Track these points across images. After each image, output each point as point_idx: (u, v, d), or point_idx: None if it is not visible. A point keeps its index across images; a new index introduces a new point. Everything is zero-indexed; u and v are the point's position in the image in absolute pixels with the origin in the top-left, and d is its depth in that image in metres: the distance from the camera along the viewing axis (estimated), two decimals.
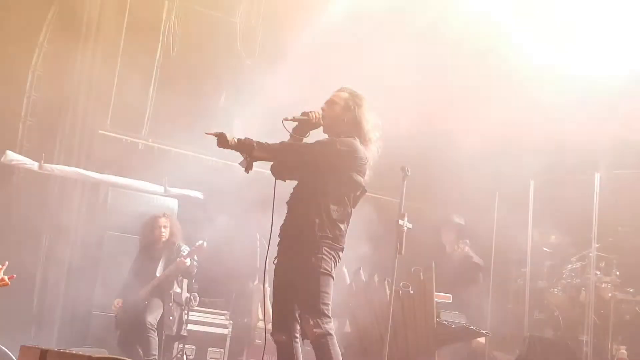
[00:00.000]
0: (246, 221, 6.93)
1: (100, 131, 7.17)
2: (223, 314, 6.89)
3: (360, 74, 7.67)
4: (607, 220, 6.97)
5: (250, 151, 3.79)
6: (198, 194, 7.36)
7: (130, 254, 6.43)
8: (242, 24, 7.80)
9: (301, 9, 7.54)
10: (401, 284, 5.45)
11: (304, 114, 4.05)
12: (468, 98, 7.50)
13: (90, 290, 6.54)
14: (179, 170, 7.24)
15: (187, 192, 7.30)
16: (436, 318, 5.53)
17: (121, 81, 7.23)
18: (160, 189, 7.15)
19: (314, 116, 4.03)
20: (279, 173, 4.09)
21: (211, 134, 3.84)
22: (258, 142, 3.82)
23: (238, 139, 3.80)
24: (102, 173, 6.98)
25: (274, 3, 7.85)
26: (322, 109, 4.10)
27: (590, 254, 6.70)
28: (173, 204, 7.04)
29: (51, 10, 7.04)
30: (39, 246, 6.80)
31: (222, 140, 3.80)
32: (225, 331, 6.72)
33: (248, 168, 3.85)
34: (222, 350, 6.73)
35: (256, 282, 7.27)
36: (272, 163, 4.10)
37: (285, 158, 3.98)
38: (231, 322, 6.87)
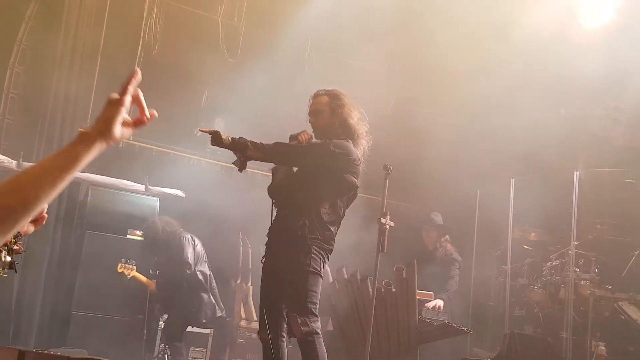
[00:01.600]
0: (228, 220, 6.91)
1: (80, 129, 7.07)
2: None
3: (342, 72, 7.72)
4: (586, 218, 7.06)
5: (244, 150, 3.77)
6: (179, 193, 7.32)
7: (111, 254, 6.38)
8: (225, 23, 7.77)
9: (283, 8, 7.53)
10: (383, 282, 5.47)
11: (292, 137, 4.06)
12: (449, 95, 7.55)
13: (70, 290, 6.47)
14: (160, 168, 7.20)
15: (169, 190, 7.26)
16: (418, 316, 5.56)
17: (101, 79, 7.17)
18: (141, 187, 7.10)
19: (304, 139, 4.05)
20: (276, 195, 4.08)
21: (205, 132, 3.81)
22: (252, 142, 3.81)
23: (232, 138, 3.78)
24: (82, 172, 6.92)
25: (256, 2, 7.83)
26: (310, 122, 4.12)
27: (570, 252, 6.78)
28: (154, 202, 6.99)
29: (30, 7, 6.96)
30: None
31: (216, 139, 3.76)
32: (207, 330, 6.70)
33: (241, 167, 3.83)
34: (204, 349, 6.71)
35: (239, 281, 7.25)
36: (269, 184, 4.10)
37: (279, 159, 3.98)
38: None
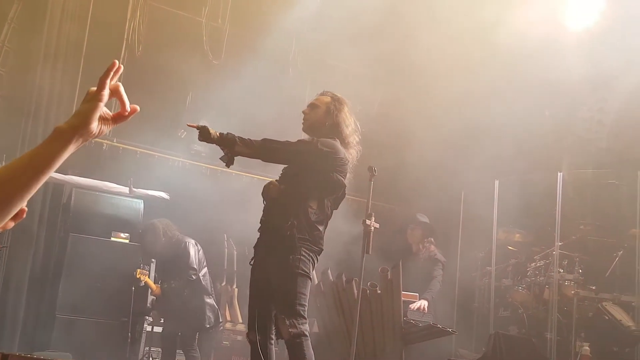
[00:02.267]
0: (213, 222, 6.88)
1: (56, 126, 7.03)
2: None
3: (327, 74, 7.72)
4: (570, 218, 7.12)
5: (232, 146, 3.77)
6: (164, 195, 7.29)
7: (95, 256, 6.34)
8: (209, 24, 7.75)
9: (268, 9, 7.53)
10: (369, 283, 5.48)
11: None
12: (434, 97, 7.57)
13: (53, 292, 6.42)
14: (144, 170, 7.17)
15: (153, 192, 7.22)
16: (403, 317, 5.57)
17: (85, 80, 7.12)
18: (125, 189, 7.06)
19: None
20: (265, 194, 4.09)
21: (193, 126, 3.80)
22: (240, 138, 3.81)
23: (220, 133, 3.77)
24: (66, 174, 6.86)
25: (240, 4, 7.82)
26: (304, 112, 4.14)
27: (554, 252, 6.82)
28: (138, 205, 6.95)
29: (13, 9, 6.90)
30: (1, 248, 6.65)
31: (203, 134, 3.75)
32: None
33: (229, 163, 3.83)
34: None
35: (224, 283, 7.23)
36: (264, 185, 4.10)
37: (267, 155, 3.97)
38: None
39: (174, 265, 6.20)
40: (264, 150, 3.90)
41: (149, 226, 6.31)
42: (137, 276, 6.24)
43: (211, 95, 7.23)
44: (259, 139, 3.91)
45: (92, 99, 1.35)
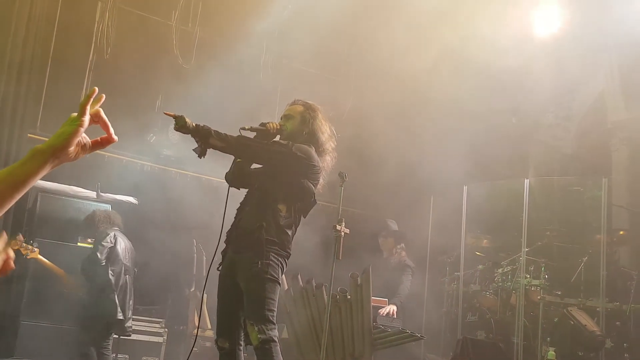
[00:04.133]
0: (182, 227, 6.82)
1: (29, 135, 6.93)
2: (158, 322, 6.77)
3: (298, 78, 7.73)
4: (537, 225, 7.22)
5: (206, 137, 3.74)
6: (132, 200, 7.20)
7: (61, 262, 6.22)
8: (179, 28, 7.70)
9: (238, 14, 7.51)
10: (338, 289, 5.49)
11: (262, 124, 4.06)
12: (403, 103, 7.63)
13: (18, 299, 6.29)
14: (112, 175, 7.08)
15: (121, 197, 7.13)
16: (372, 322, 5.58)
17: (52, 83, 7.01)
18: (92, 194, 6.96)
19: (272, 127, 4.05)
20: (234, 181, 4.09)
21: (170, 115, 3.76)
22: (216, 131, 3.78)
23: (196, 124, 3.75)
24: None
25: (210, 8, 7.78)
26: (280, 124, 4.13)
27: (520, 258, 6.91)
28: (106, 209, 6.86)
29: None
30: None
31: (180, 123, 3.72)
32: (160, 339, 6.59)
33: (202, 154, 3.79)
34: (157, 358, 6.60)
35: (193, 289, 7.16)
36: (227, 171, 4.09)
37: (241, 152, 3.95)
38: (166, 330, 6.75)
39: (88, 254, 5.90)
40: (238, 146, 3.88)
41: (91, 212, 6.13)
42: (15, 248, 5.67)
43: (181, 99, 7.17)
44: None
45: (73, 123, 1.38)
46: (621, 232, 7.19)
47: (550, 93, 7.85)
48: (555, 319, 6.56)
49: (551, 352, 5.77)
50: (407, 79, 7.29)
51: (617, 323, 6.41)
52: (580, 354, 6.24)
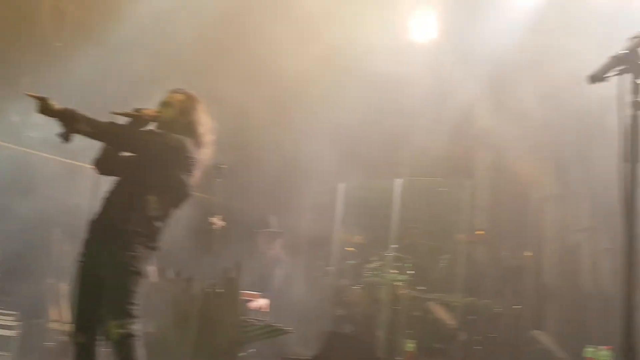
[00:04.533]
0: (42, 215, 6.45)
1: None
2: (9, 315, 6.35)
3: (176, 66, 7.53)
4: (405, 223, 7.51)
5: (73, 122, 3.53)
6: None
7: None
8: (49, 3, 7.26)
9: None
10: (209, 282, 5.43)
11: (135, 110, 3.90)
12: (285, 100, 7.66)
13: None
14: None
15: None
16: (242, 316, 5.58)
17: None
18: None
19: (147, 114, 3.90)
20: (102, 168, 3.92)
21: (33, 96, 3.52)
22: (83, 115, 3.58)
23: (62, 108, 3.53)
24: None
25: None
26: (157, 111, 3.98)
27: (388, 254, 7.17)
28: None
29: None
30: None
31: (44, 106, 3.50)
32: (11, 333, 6.19)
33: (67, 139, 3.58)
34: (8, 353, 6.20)
35: (51, 280, 6.79)
36: (96, 157, 3.91)
37: (110, 139, 3.78)
38: (20, 323, 6.35)
39: None
40: (109, 133, 3.72)
41: None
42: None
43: (51, 79, 6.76)
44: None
45: None
46: (480, 232, 7.65)
47: (425, 97, 8.16)
48: (417, 313, 6.88)
49: (410, 345, 6.03)
50: (290, 76, 7.31)
51: (472, 317, 6.82)
52: (437, 346, 6.60)
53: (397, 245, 7.24)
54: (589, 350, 5.05)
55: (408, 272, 7.06)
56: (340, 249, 7.76)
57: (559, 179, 7.94)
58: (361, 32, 7.06)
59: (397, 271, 7.06)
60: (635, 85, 2.59)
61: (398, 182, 7.38)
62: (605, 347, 4.94)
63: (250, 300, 5.91)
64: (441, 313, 6.61)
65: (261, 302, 5.98)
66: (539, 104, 7.67)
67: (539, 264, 7.90)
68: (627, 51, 2.57)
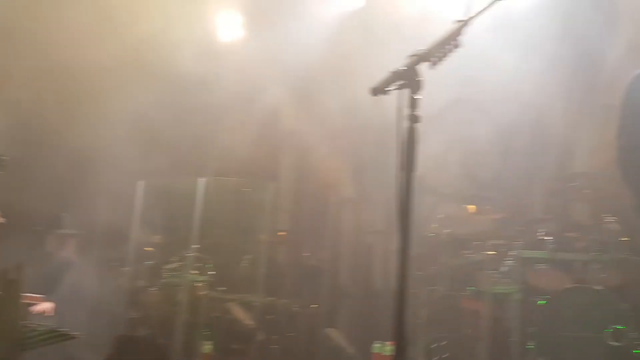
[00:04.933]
0: None
1: None
2: None
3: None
4: (208, 223, 7.45)
5: None
6: None
7: None
8: None
9: None
10: None
11: None
12: (81, 96, 7.24)
13: None
14: None
15: None
16: (23, 321, 5.15)
17: None
18: None
19: None
20: None
21: None
22: None
23: None
24: None
25: None
26: None
27: (189, 255, 7.06)
28: None
29: None
30: None
31: None
32: None
33: None
34: None
35: None
36: None
37: None
38: None
39: None
40: None
41: None
42: None
43: None
44: None
45: None
46: (282, 233, 7.83)
47: (232, 98, 8.15)
48: (217, 314, 6.85)
49: (208, 346, 6.00)
50: (89, 70, 6.92)
51: (270, 317, 6.94)
52: (234, 346, 6.63)
53: (198, 246, 7.15)
54: (376, 346, 5.36)
55: (209, 272, 7.01)
56: (138, 249, 7.49)
57: (357, 183, 8.38)
58: (168, 29, 6.88)
59: (197, 272, 6.97)
60: (413, 99, 2.76)
61: (201, 182, 7.30)
62: (390, 342, 5.27)
63: (33, 304, 5.48)
64: (240, 313, 6.65)
65: (45, 306, 5.57)
66: (340, 111, 8.03)
67: (336, 264, 8.27)
68: (405, 68, 2.73)
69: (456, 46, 2.84)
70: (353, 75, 7.29)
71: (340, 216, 8.46)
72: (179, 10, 6.87)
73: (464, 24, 2.84)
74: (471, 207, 6.94)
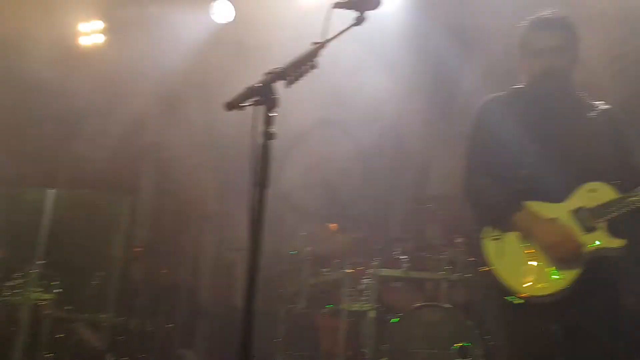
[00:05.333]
0: None
1: None
2: None
3: None
4: (58, 237, 6.99)
5: None
6: None
7: None
8: None
9: None
10: None
11: None
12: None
13: None
14: None
15: None
16: None
17: None
18: None
19: None
20: None
21: None
22: None
23: None
24: None
25: None
26: None
27: (33, 271, 6.57)
28: None
29: None
30: None
31: None
32: None
33: None
34: None
35: None
36: None
37: None
38: None
39: None
40: None
41: None
42: None
43: None
44: None
45: None
46: (138, 249, 7.51)
47: (89, 107, 7.78)
48: (61, 335, 6.41)
49: None
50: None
51: (121, 337, 6.61)
52: None
53: (44, 261, 6.67)
54: None
55: (55, 290, 6.55)
56: None
57: (220, 199, 8.23)
58: (22, 30, 6.46)
59: (41, 289, 6.49)
60: (268, 117, 2.71)
61: (51, 193, 6.84)
62: None
63: None
64: (87, 334, 6.26)
65: None
66: (204, 125, 7.88)
67: (195, 282, 8.06)
68: (261, 84, 2.68)
69: (312, 67, 2.83)
70: (219, 89, 7.19)
71: (201, 232, 8.27)
72: (35, 11, 6.46)
73: (320, 45, 2.85)
74: (333, 226, 7.03)
